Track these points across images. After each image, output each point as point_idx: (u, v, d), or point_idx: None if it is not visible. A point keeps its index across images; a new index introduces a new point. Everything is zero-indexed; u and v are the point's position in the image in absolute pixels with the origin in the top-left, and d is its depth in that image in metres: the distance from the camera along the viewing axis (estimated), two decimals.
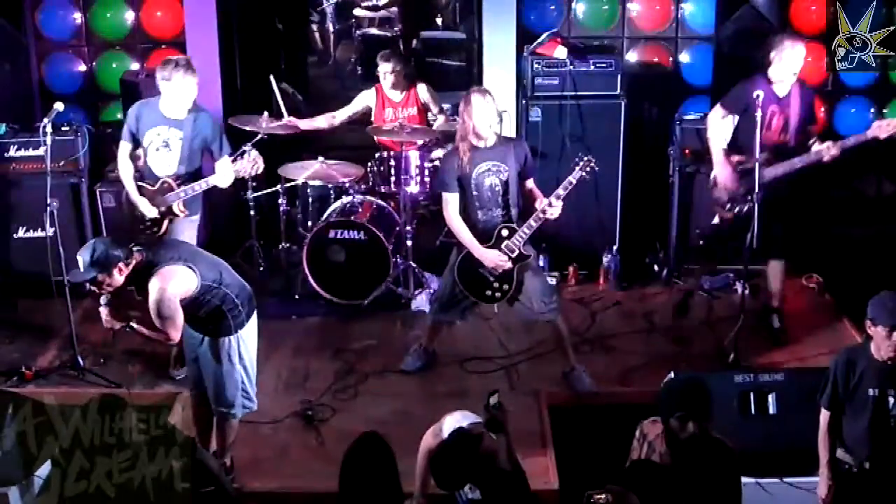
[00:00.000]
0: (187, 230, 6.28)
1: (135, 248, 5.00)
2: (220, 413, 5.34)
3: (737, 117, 6.42)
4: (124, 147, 6.34)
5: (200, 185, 6.19)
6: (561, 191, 5.80)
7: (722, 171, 6.45)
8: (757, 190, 6.28)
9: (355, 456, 4.19)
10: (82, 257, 4.94)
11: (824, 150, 6.26)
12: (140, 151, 6.35)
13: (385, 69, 7.41)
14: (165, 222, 6.28)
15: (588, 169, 5.86)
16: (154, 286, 4.93)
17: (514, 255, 5.92)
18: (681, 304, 7.06)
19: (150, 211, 6.25)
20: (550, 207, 5.80)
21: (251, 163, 6.18)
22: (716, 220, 6.65)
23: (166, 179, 6.22)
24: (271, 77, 7.59)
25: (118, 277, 4.95)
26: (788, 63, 6.25)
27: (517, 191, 5.94)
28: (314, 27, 12.04)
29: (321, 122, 7.62)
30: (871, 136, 6.23)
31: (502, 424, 4.42)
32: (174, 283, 4.95)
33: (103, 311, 5.06)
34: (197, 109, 6.22)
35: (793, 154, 6.34)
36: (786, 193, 6.44)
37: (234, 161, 6.26)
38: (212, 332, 5.19)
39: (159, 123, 6.20)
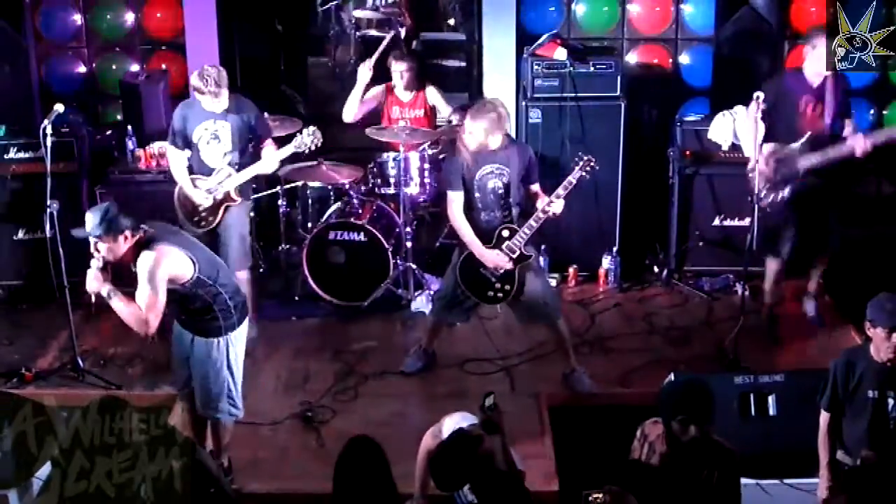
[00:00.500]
0: (241, 214, 6.57)
1: (141, 225, 5.01)
2: (209, 415, 5.35)
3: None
4: (172, 149, 6.55)
5: (254, 170, 6.43)
6: (561, 190, 5.81)
7: (760, 160, 6.42)
8: (756, 192, 6.29)
9: (347, 461, 4.19)
10: (93, 215, 4.93)
11: (857, 142, 6.26)
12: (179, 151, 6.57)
13: (400, 68, 7.39)
14: (221, 210, 6.48)
15: (588, 168, 5.87)
16: (148, 257, 4.89)
17: (515, 256, 5.92)
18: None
19: (206, 200, 6.46)
20: (550, 207, 5.81)
21: (311, 136, 6.42)
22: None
23: (223, 167, 6.41)
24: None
25: (121, 245, 4.93)
26: (818, 57, 6.25)
27: (518, 193, 5.94)
28: (332, 38, 12.02)
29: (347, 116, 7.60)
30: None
31: (498, 426, 4.43)
32: (168, 261, 4.93)
33: (91, 273, 5.00)
34: (235, 97, 6.46)
35: (829, 144, 6.35)
36: (821, 185, 6.44)
37: (294, 137, 6.48)
38: (202, 331, 5.18)
39: (206, 118, 6.40)
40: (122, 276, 5.10)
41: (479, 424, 4.44)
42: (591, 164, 5.86)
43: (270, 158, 6.48)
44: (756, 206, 6.27)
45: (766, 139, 6.42)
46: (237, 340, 5.26)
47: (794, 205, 6.45)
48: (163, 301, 4.93)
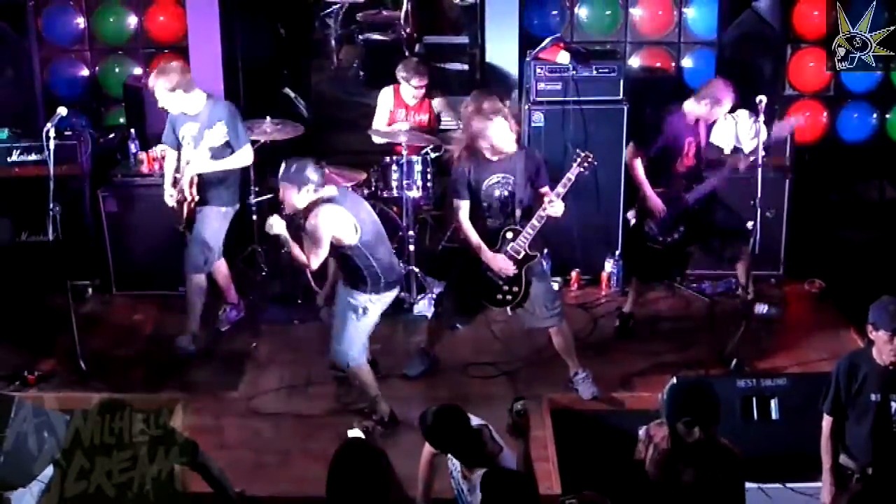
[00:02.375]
0: (205, 218, 6.54)
1: (328, 186, 5.55)
2: (332, 356, 5.88)
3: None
4: (166, 149, 6.76)
5: (224, 164, 6.49)
6: (560, 188, 5.82)
7: (652, 202, 6.50)
8: (758, 195, 6.28)
9: (340, 465, 4.15)
10: (287, 162, 5.52)
11: (739, 161, 6.50)
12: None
13: (420, 83, 7.40)
14: (185, 208, 6.55)
15: (585, 164, 5.88)
16: (319, 212, 5.45)
17: (520, 257, 5.92)
18: (621, 327, 6.97)
19: (168, 198, 6.61)
20: (551, 205, 5.81)
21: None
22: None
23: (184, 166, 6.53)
24: (287, 89, 7.64)
25: (298, 196, 5.45)
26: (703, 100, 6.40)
27: (526, 196, 5.95)
28: (332, 42, 12.04)
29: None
30: (773, 139, 6.46)
31: (524, 431, 4.43)
32: (334, 221, 5.47)
33: (275, 217, 5.50)
34: (214, 101, 6.57)
35: (702, 174, 6.54)
36: (713, 209, 6.58)
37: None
38: (351, 282, 5.73)
39: (187, 121, 6.55)
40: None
41: (506, 427, 4.46)
42: (589, 159, 5.86)
43: (239, 157, 6.55)
44: (758, 209, 6.25)
45: (653, 182, 6.51)
46: (376, 304, 5.76)
47: (690, 236, 6.59)
48: (324, 253, 5.51)
